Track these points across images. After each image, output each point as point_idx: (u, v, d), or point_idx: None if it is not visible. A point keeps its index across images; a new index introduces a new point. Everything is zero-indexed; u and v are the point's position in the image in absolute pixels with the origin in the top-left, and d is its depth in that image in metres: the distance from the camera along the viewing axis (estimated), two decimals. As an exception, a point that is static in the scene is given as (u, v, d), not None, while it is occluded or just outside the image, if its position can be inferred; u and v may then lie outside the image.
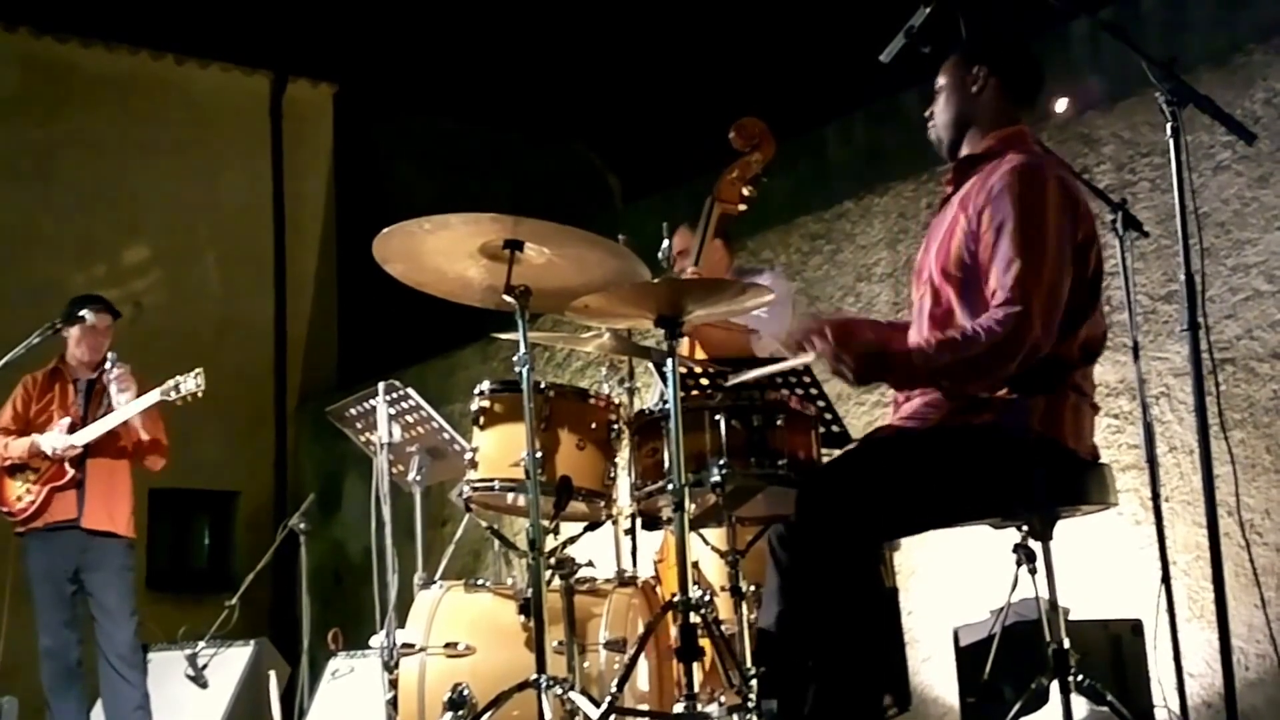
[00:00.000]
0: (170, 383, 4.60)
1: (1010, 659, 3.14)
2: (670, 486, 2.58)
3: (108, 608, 4.62)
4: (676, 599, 2.57)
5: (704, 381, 3.03)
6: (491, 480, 2.92)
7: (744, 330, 3.63)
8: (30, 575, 4.68)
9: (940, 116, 2.60)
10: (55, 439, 4.61)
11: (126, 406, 4.60)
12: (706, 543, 3.03)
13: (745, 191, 3.66)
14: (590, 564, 3.08)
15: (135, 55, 8.83)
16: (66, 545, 4.63)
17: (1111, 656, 3.43)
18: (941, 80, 2.60)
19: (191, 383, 4.57)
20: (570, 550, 2.98)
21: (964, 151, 2.56)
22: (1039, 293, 2.31)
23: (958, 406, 2.41)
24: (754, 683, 2.66)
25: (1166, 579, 2.85)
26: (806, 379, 3.04)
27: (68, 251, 8.23)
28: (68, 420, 4.67)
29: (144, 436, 4.73)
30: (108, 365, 4.66)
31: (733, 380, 2.73)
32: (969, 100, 2.55)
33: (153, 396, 4.59)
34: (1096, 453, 2.52)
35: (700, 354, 3.61)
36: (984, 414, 2.39)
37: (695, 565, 3.05)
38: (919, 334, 2.51)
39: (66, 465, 4.61)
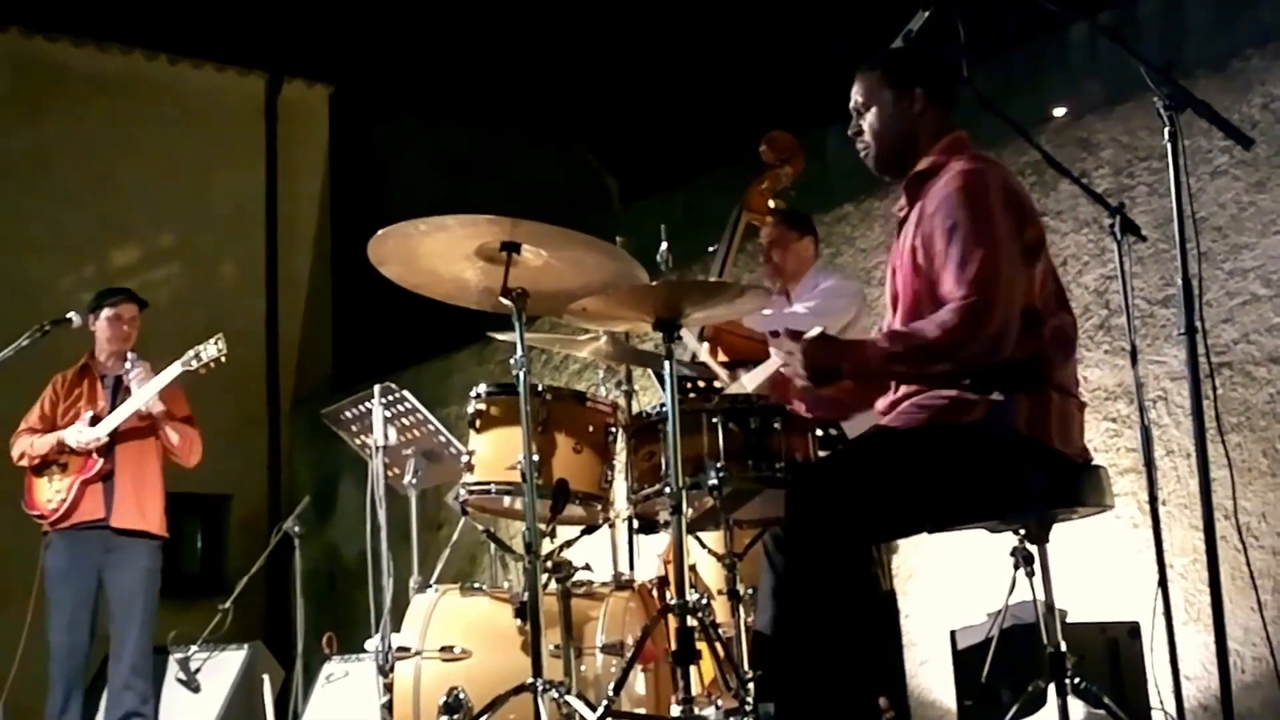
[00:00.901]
0: (190, 353, 4.57)
1: (1007, 662, 3.14)
2: (668, 489, 2.57)
3: (127, 610, 4.59)
4: (673, 602, 2.56)
5: (701, 385, 3.03)
6: (488, 483, 2.91)
7: (762, 340, 3.64)
8: (48, 573, 4.64)
9: (879, 137, 2.59)
10: (78, 431, 4.59)
11: (147, 386, 4.58)
12: (704, 546, 3.03)
13: (773, 204, 3.71)
14: (587, 567, 3.07)
15: (128, 55, 8.79)
16: (92, 545, 4.60)
17: (1109, 659, 3.43)
18: (866, 98, 2.59)
19: (213, 349, 4.54)
20: (567, 553, 2.97)
21: (913, 169, 2.57)
22: (998, 287, 2.33)
23: (945, 406, 2.41)
24: (751, 686, 2.65)
25: (1163, 582, 2.85)
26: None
27: (58, 253, 8.19)
28: (91, 414, 4.64)
29: (173, 440, 4.69)
30: (127, 365, 4.62)
31: (737, 388, 2.74)
32: (911, 120, 2.56)
33: (174, 370, 4.57)
34: (1087, 454, 2.52)
35: (722, 359, 3.62)
36: (971, 414, 2.39)
37: (692, 568, 3.04)
38: None
39: (95, 456, 4.58)
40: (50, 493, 4.62)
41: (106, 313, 4.76)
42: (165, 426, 4.67)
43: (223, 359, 4.52)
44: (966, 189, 2.40)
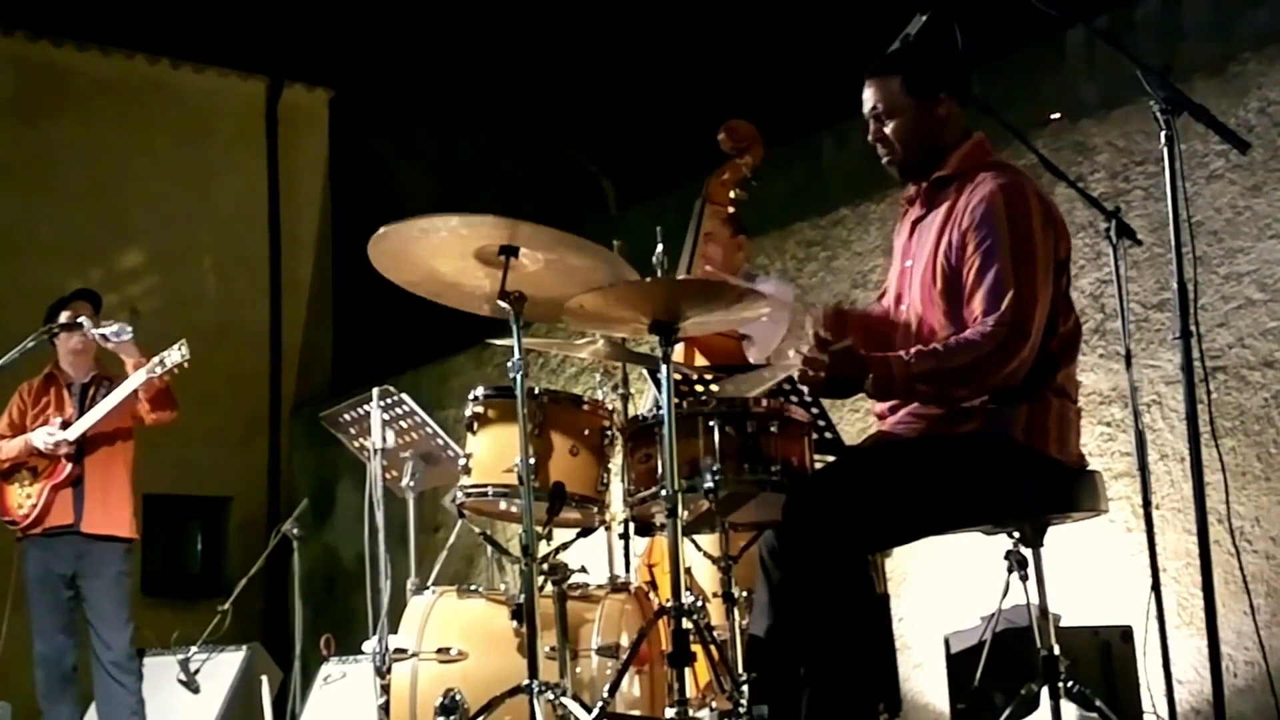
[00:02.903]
0: (154, 360, 4.56)
1: (1001, 665, 3.15)
2: (664, 492, 2.58)
3: (104, 614, 4.60)
4: (669, 605, 2.57)
5: (699, 388, 3.04)
6: (485, 486, 2.92)
7: (737, 336, 3.63)
8: (26, 580, 4.67)
9: (908, 145, 2.56)
10: (48, 433, 4.60)
11: (114, 393, 4.60)
12: (699, 549, 3.03)
13: (734, 194, 3.66)
14: (583, 570, 3.08)
15: (131, 59, 8.83)
16: (64, 550, 4.62)
17: (1101, 663, 3.43)
18: (886, 105, 2.55)
19: (176, 354, 4.53)
20: (563, 556, 2.98)
21: (935, 173, 2.56)
22: (1033, 316, 2.34)
23: (941, 416, 2.41)
24: (745, 688, 2.66)
25: (1156, 586, 2.86)
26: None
27: (62, 256, 8.21)
28: (60, 420, 4.65)
29: (145, 406, 4.67)
30: (114, 329, 4.57)
31: (727, 393, 2.74)
32: (937, 127, 2.55)
33: (139, 378, 4.57)
34: (1083, 460, 2.53)
35: (700, 360, 3.62)
36: (967, 423, 2.40)
37: (688, 571, 3.05)
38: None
39: (64, 461, 4.60)
40: (20, 498, 4.64)
41: (63, 317, 4.74)
42: (142, 403, 4.66)
43: (186, 364, 4.51)
44: (1008, 206, 2.38)
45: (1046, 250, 2.40)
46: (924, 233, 2.55)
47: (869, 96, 2.59)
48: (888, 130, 2.57)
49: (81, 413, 4.69)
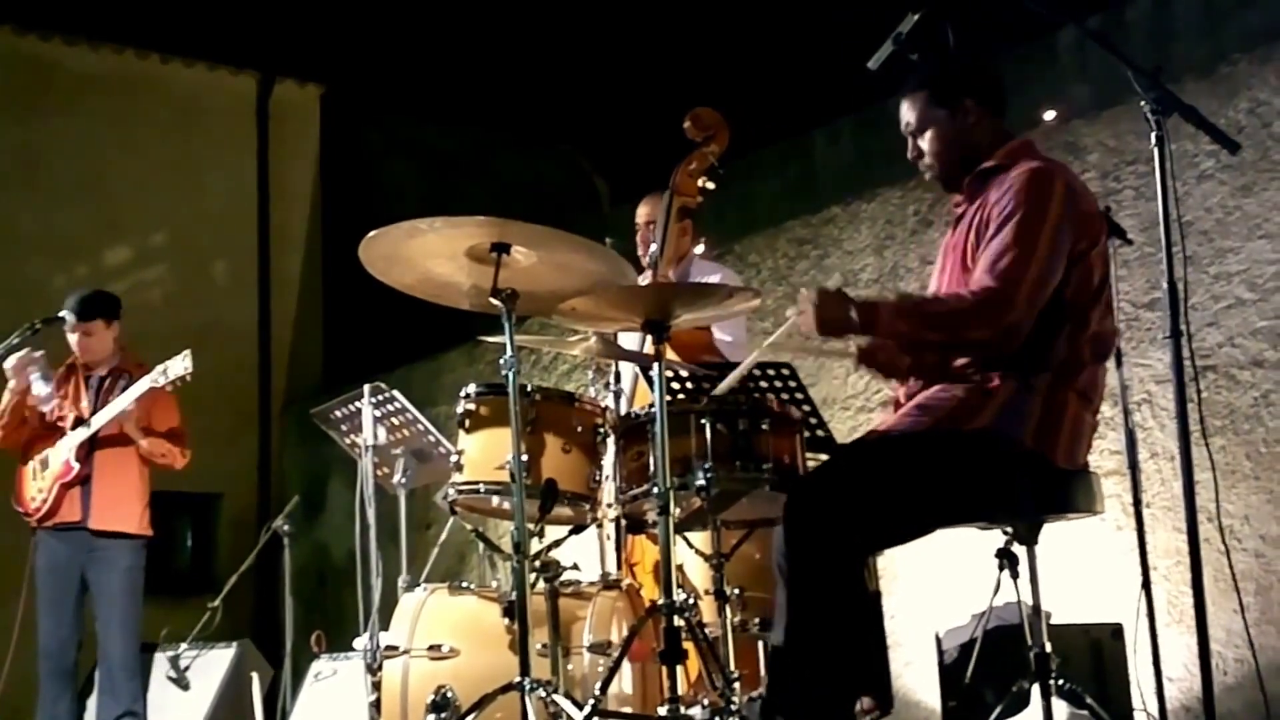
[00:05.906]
0: (159, 368, 4.56)
1: (992, 662, 3.16)
2: (655, 490, 2.59)
3: (110, 610, 4.60)
4: (660, 603, 2.58)
5: (690, 386, 3.04)
6: (476, 483, 2.92)
7: (706, 328, 3.62)
8: (36, 572, 4.66)
9: (941, 156, 2.60)
10: (65, 446, 4.59)
11: (116, 401, 4.58)
12: (691, 546, 3.04)
13: (702, 184, 3.64)
14: (575, 567, 3.08)
15: (119, 54, 8.79)
16: (74, 546, 4.61)
17: (1092, 660, 3.45)
18: (919, 121, 2.59)
19: (179, 365, 4.52)
20: (555, 553, 2.98)
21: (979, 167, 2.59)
22: (1021, 286, 2.35)
23: (950, 412, 2.41)
24: (736, 685, 2.67)
25: (1147, 584, 2.88)
26: (793, 383, 3.04)
27: (49, 251, 8.19)
28: (74, 415, 4.64)
29: (146, 450, 4.68)
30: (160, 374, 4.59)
31: (719, 388, 2.74)
32: (967, 133, 2.57)
33: (142, 385, 4.56)
34: (1086, 465, 2.54)
35: (670, 355, 3.60)
36: (977, 420, 2.39)
37: (679, 569, 3.05)
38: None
39: (73, 461, 4.59)
40: (34, 490, 4.65)
41: (63, 324, 4.74)
42: (139, 439, 4.66)
43: (188, 377, 4.50)
44: (1030, 185, 2.42)
45: (1056, 234, 2.39)
46: (963, 223, 2.58)
47: (903, 116, 2.64)
48: (923, 144, 2.61)
49: (95, 405, 4.67)
